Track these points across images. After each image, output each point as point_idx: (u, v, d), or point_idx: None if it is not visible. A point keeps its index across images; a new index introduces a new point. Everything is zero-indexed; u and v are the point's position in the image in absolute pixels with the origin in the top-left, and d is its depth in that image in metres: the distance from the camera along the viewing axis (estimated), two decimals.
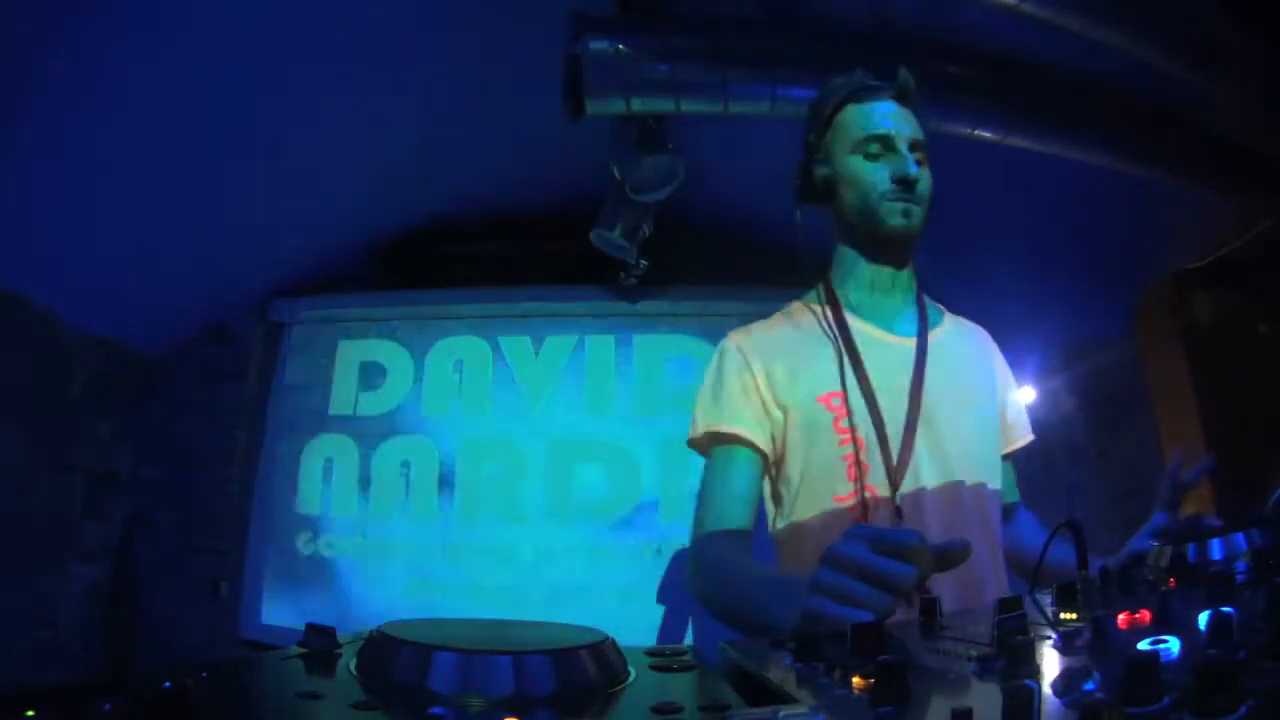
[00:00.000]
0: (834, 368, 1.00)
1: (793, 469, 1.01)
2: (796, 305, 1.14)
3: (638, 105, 2.00)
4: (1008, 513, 1.11)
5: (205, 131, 2.40)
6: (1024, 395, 3.16)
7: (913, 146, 1.03)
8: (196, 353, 3.44)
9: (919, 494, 0.95)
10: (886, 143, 1.03)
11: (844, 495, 0.96)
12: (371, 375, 3.46)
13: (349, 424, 3.40)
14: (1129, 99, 2.03)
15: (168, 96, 2.24)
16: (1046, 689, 0.35)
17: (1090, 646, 0.43)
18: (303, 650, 0.51)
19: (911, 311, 1.08)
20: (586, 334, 3.41)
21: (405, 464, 3.34)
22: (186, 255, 2.87)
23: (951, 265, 2.95)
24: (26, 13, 1.88)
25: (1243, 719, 0.28)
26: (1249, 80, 1.82)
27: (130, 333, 3.15)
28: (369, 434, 3.38)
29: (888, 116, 1.04)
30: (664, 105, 2.02)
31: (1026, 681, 0.30)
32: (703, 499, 1.02)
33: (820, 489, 0.96)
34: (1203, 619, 0.42)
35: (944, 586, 0.88)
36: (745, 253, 2.94)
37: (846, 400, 0.98)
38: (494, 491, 3.27)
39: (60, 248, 2.57)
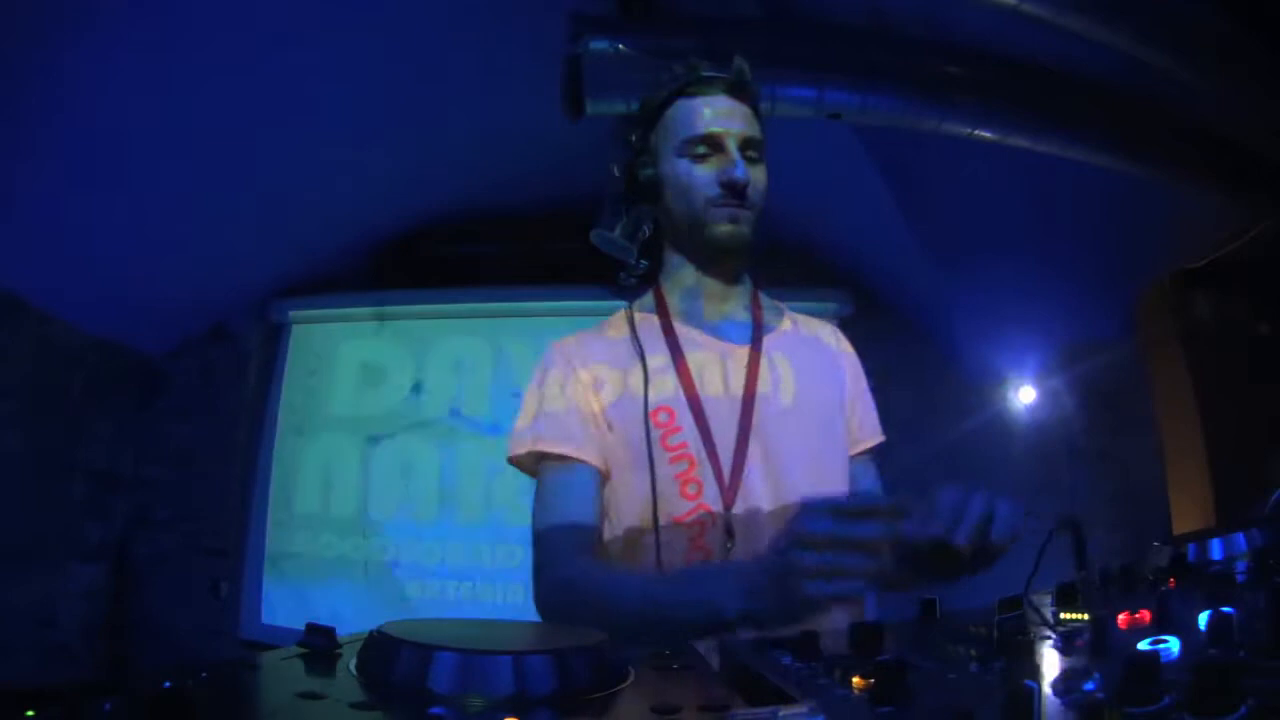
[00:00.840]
0: (663, 380, 0.94)
1: (624, 486, 0.93)
2: (622, 314, 1.06)
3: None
4: None
5: (205, 132, 2.40)
6: (1024, 395, 3.18)
7: (744, 145, 0.95)
8: (196, 353, 3.44)
9: (754, 511, 0.90)
10: (714, 143, 0.94)
11: (680, 514, 0.90)
12: (371, 375, 3.46)
13: (349, 424, 3.41)
14: (1128, 99, 2.03)
15: (168, 97, 2.24)
16: (1046, 689, 0.35)
17: (1090, 646, 0.43)
18: (303, 650, 0.51)
19: (746, 318, 1.01)
20: None
21: (405, 464, 3.34)
22: (186, 255, 2.87)
23: (952, 265, 2.96)
24: (26, 14, 1.88)
25: (1243, 719, 0.28)
26: (1249, 80, 1.82)
27: (130, 333, 3.15)
28: (369, 434, 3.38)
29: (717, 114, 0.95)
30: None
31: (1026, 681, 0.30)
32: (546, 522, 0.92)
33: (656, 507, 0.90)
34: (1203, 619, 0.42)
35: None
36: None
37: (675, 415, 0.92)
38: (494, 491, 3.27)
39: (60, 248, 2.57)
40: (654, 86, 1.03)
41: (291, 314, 3.52)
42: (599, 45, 1.93)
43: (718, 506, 0.89)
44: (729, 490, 0.90)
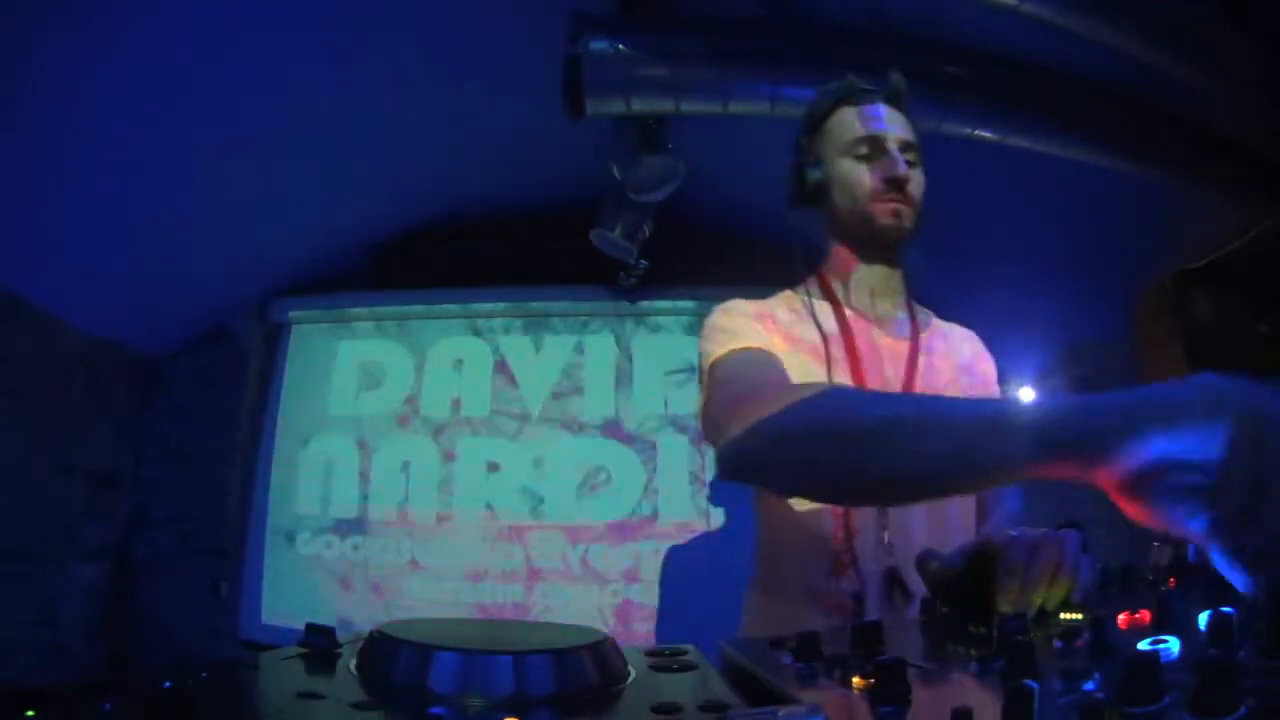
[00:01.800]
0: (823, 361, 0.98)
1: None
2: (790, 292, 1.10)
3: (638, 105, 2.00)
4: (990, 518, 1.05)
5: (205, 132, 2.40)
6: (1024, 395, 3.18)
7: (903, 148, 1.03)
8: (196, 353, 3.44)
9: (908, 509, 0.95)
10: (876, 144, 1.03)
11: None
12: (371, 375, 3.46)
13: (349, 424, 3.41)
14: (1129, 99, 2.03)
15: (167, 97, 2.24)
16: (1047, 689, 0.35)
17: (1090, 646, 0.43)
18: (303, 650, 0.51)
19: (903, 314, 1.08)
20: (586, 334, 3.41)
21: (405, 464, 3.34)
22: (186, 255, 2.87)
23: (952, 265, 2.96)
24: (26, 13, 1.88)
25: (1243, 719, 0.28)
26: (1249, 80, 1.82)
27: (130, 333, 3.15)
28: (369, 434, 3.38)
29: (878, 119, 1.04)
30: (664, 105, 2.02)
31: (1026, 681, 0.30)
32: (743, 385, 0.83)
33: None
34: (1203, 619, 0.42)
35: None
36: (745, 253, 2.94)
37: None
38: (494, 491, 3.27)
39: (60, 248, 2.57)
40: (816, 98, 1.11)
41: (291, 314, 3.52)
42: (599, 45, 1.93)
43: None
44: None
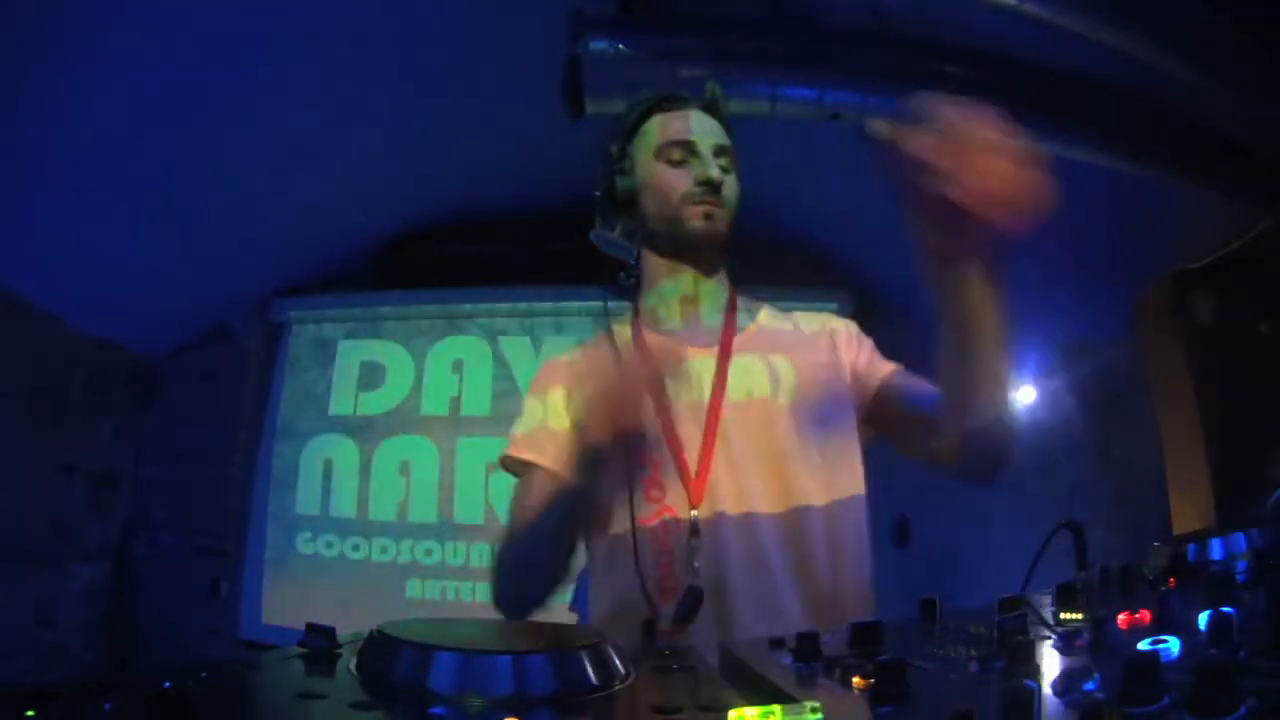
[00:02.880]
0: (635, 392, 0.93)
1: (600, 492, 0.96)
2: (613, 325, 1.12)
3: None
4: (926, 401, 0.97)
5: (205, 132, 2.40)
6: (1024, 395, 3.18)
7: (717, 152, 1.02)
8: (196, 353, 3.44)
9: (719, 512, 0.93)
10: (689, 148, 1.02)
11: (645, 517, 0.94)
12: (371, 375, 3.46)
13: (349, 424, 3.41)
14: (1129, 99, 2.03)
15: (167, 97, 2.24)
16: (1046, 689, 0.35)
17: (1090, 646, 0.43)
18: (303, 650, 0.51)
19: (718, 321, 1.05)
20: (586, 334, 3.40)
21: (405, 464, 3.34)
22: (186, 255, 2.87)
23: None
24: (27, 14, 1.88)
25: (1243, 719, 0.28)
26: (1249, 80, 1.82)
27: (130, 333, 3.15)
28: (369, 434, 3.38)
29: (690, 125, 1.03)
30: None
31: (1026, 681, 0.30)
32: (508, 523, 1.04)
33: (624, 509, 0.94)
34: (1203, 619, 0.42)
35: (745, 611, 0.88)
36: (744, 253, 2.94)
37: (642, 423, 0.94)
38: (493, 491, 3.27)
39: (60, 248, 2.57)
40: (628, 106, 1.12)
41: (291, 314, 3.52)
42: (599, 45, 1.93)
43: (683, 509, 0.93)
44: (694, 493, 0.93)
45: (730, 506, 0.93)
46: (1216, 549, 0.70)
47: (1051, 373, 3.06)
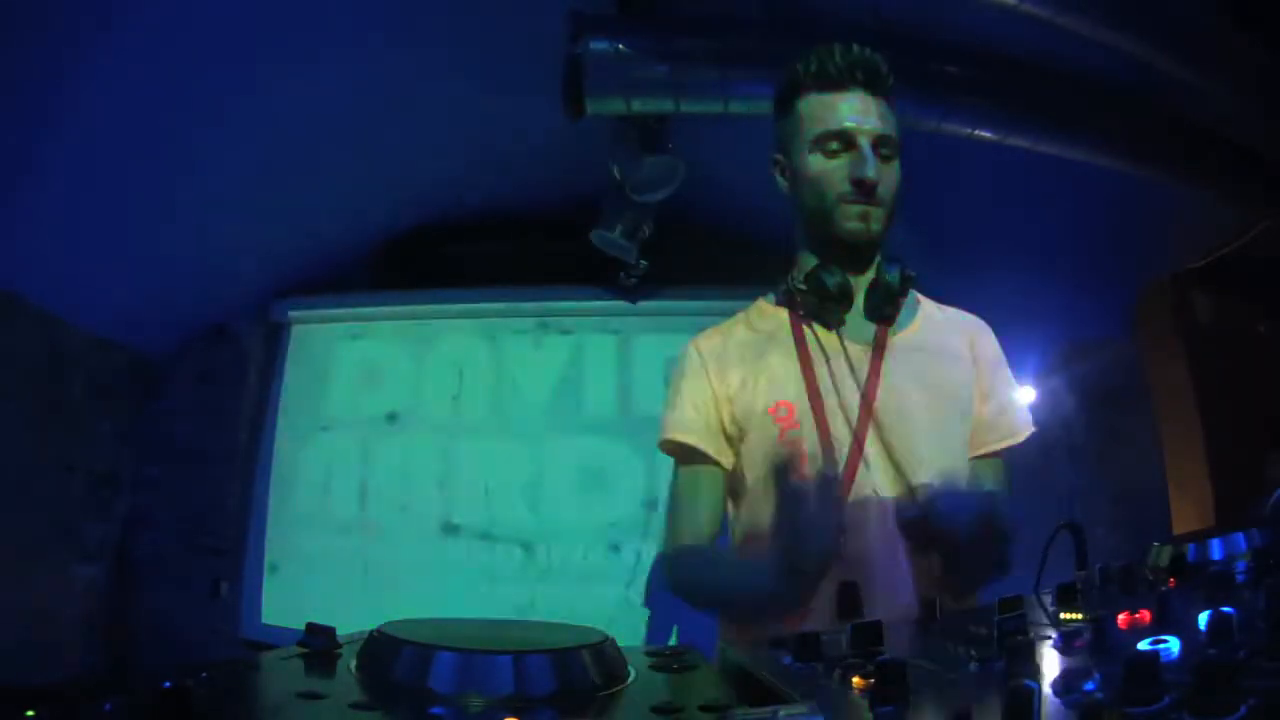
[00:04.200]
0: (786, 376, 0.97)
1: (747, 476, 1.00)
2: (759, 304, 1.09)
3: (638, 105, 2.00)
4: None
5: (205, 132, 2.40)
6: (1024, 395, 3.17)
7: (878, 143, 0.95)
8: (196, 353, 3.43)
9: (864, 506, 0.92)
10: (847, 139, 0.94)
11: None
12: (371, 375, 3.45)
13: (349, 424, 3.40)
14: (1129, 99, 2.03)
15: (167, 96, 2.24)
16: (1046, 689, 0.35)
17: (1090, 646, 0.43)
18: (303, 650, 0.51)
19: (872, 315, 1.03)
20: (586, 334, 3.41)
21: (405, 464, 3.34)
22: (186, 255, 2.87)
23: (953, 265, 2.95)
24: (27, 13, 1.88)
25: (1243, 719, 0.28)
26: (1249, 80, 1.82)
27: (130, 333, 3.15)
28: (369, 434, 3.38)
29: (852, 110, 0.94)
30: (664, 105, 2.02)
31: (1026, 681, 0.30)
32: (672, 511, 1.06)
33: (769, 498, 0.91)
34: (1203, 619, 0.42)
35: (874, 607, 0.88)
36: (745, 253, 2.94)
37: (794, 412, 0.95)
38: (494, 491, 3.27)
39: (60, 248, 2.57)
40: (785, 77, 1.02)
41: (291, 314, 3.52)
42: (599, 45, 1.92)
43: None
44: (843, 488, 0.92)
45: (873, 503, 0.93)
46: (1216, 549, 0.70)
47: (1051, 373, 3.06)
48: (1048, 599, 0.60)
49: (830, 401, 0.95)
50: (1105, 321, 2.91)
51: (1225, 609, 0.38)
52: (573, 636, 0.50)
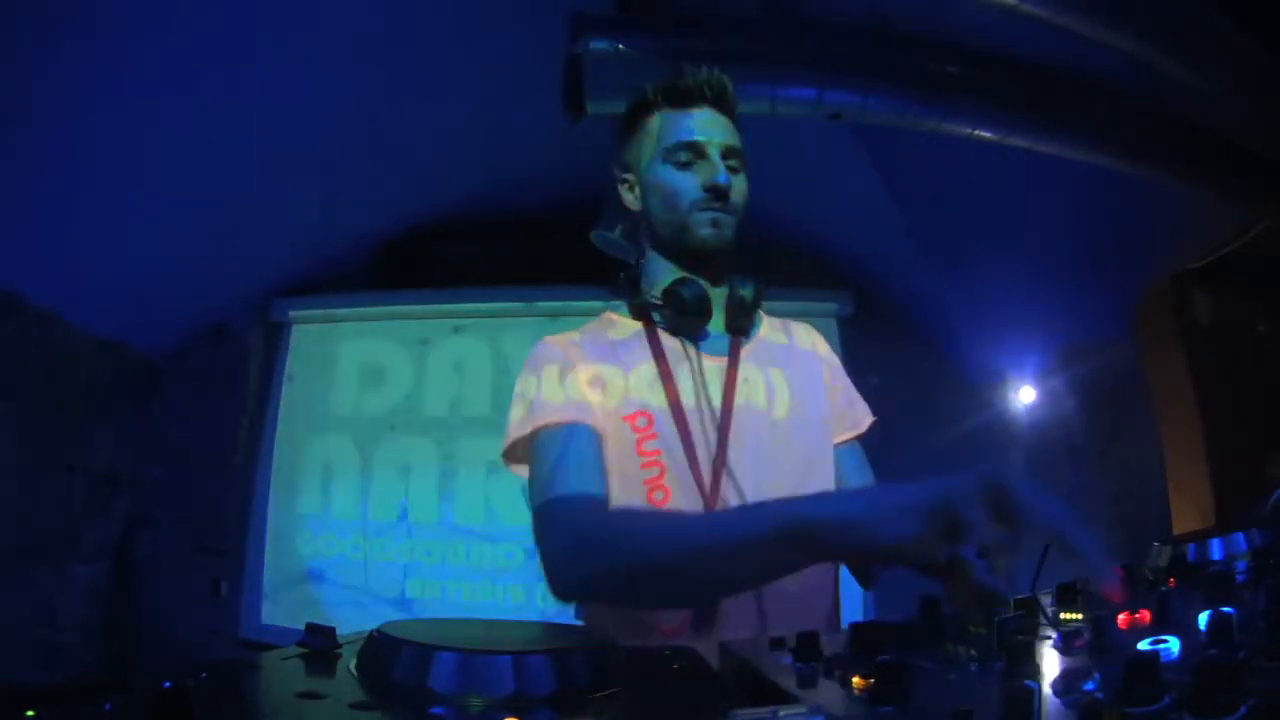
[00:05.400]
0: (643, 385, 0.96)
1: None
2: (608, 315, 1.07)
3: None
4: None
5: (205, 132, 2.40)
6: (1024, 395, 3.18)
7: (726, 154, 0.98)
8: (196, 353, 3.44)
9: None
10: (697, 150, 0.97)
11: None
12: (371, 375, 3.46)
13: (349, 424, 3.41)
14: (1129, 99, 2.03)
15: (167, 98, 2.24)
16: (1046, 689, 0.35)
17: (1090, 646, 0.43)
18: (303, 650, 0.51)
19: (724, 328, 1.02)
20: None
21: (405, 464, 3.34)
22: (186, 255, 2.87)
23: (953, 265, 2.96)
24: (27, 15, 1.88)
25: (1243, 719, 0.28)
26: (1249, 80, 1.82)
27: (130, 333, 3.15)
28: (369, 434, 3.38)
29: (701, 124, 0.99)
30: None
31: (1026, 681, 0.30)
32: (548, 476, 0.86)
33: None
34: (1203, 619, 0.42)
35: (744, 613, 0.84)
36: (745, 253, 2.94)
37: (653, 422, 0.94)
38: (494, 491, 3.27)
39: (60, 248, 2.57)
40: (632, 99, 1.05)
41: (291, 314, 3.52)
42: (599, 45, 1.93)
43: (693, 509, 0.90)
44: (709, 498, 0.91)
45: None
46: (1216, 549, 0.70)
47: (1051, 373, 3.06)
48: (1047, 599, 0.60)
49: (691, 413, 0.95)
50: (1105, 321, 2.92)
51: (1225, 609, 0.38)
52: (573, 637, 0.50)
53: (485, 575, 3.19)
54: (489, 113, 2.71)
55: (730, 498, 0.92)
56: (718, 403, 0.96)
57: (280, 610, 3.20)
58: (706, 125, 0.99)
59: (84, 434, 3.02)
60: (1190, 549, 0.69)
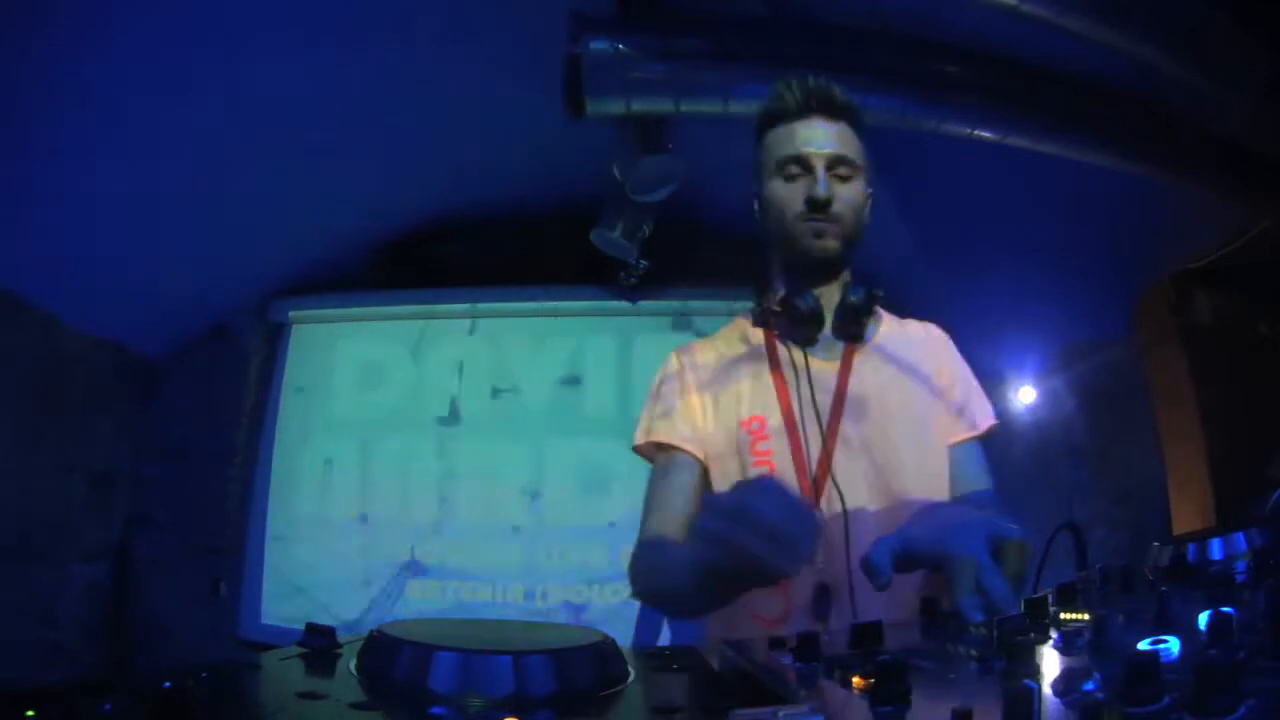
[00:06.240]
0: (761, 391, 1.04)
1: (715, 486, 1.05)
2: (739, 321, 1.15)
3: (638, 105, 2.00)
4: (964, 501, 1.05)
5: (205, 132, 2.40)
6: (1024, 395, 3.18)
7: (832, 164, 1.02)
8: (196, 353, 3.44)
9: (833, 519, 0.95)
10: (803, 163, 1.02)
11: None
12: (371, 375, 3.46)
13: (349, 424, 3.40)
14: (1129, 99, 2.03)
15: (167, 97, 2.24)
16: (1046, 689, 0.35)
17: (1090, 646, 0.43)
18: (303, 650, 0.51)
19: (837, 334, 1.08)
20: (586, 334, 3.41)
21: (405, 464, 3.34)
22: (186, 255, 2.87)
23: (953, 265, 2.96)
24: (27, 14, 1.88)
25: (1243, 719, 0.28)
26: (1249, 80, 1.82)
27: (130, 333, 3.15)
28: (369, 434, 3.38)
29: (808, 137, 1.03)
30: (664, 105, 2.02)
31: (1026, 681, 0.30)
32: (647, 505, 1.07)
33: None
34: (1203, 619, 0.42)
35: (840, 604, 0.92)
36: (745, 253, 2.94)
37: (766, 424, 1.01)
38: (493, 491, 3.27)
39: (60, 248, 2.57)
40: (759, 115, 1.13)
41: (291, 314, 3.52)
42: (599, 45, 1.92)
43: None
44: (811, 497, 0.97)
45: (851, 513, 0.96)
46: (1216, 549, 0.70)
47: (1051, 373, 3.06)
48: (1047, 599, 0.60)
49: (799, 417, 1.01)
50: (1105, 321, 2.91)
51: (1225, 609, 0.38)
52: (572, 637, 0.50)
53: (485, 576, 3.19)
54: (489, 112, 2.71)
55: (833, 496, 0.97)
56: (826, 408, 1.01)
57: (280, 610, 3.20)
58: (813, 138, 1.03)
59: (84, 434, 3.02)
60: (1190, 549, 0.69)
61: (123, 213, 2.57)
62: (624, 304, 3.33)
